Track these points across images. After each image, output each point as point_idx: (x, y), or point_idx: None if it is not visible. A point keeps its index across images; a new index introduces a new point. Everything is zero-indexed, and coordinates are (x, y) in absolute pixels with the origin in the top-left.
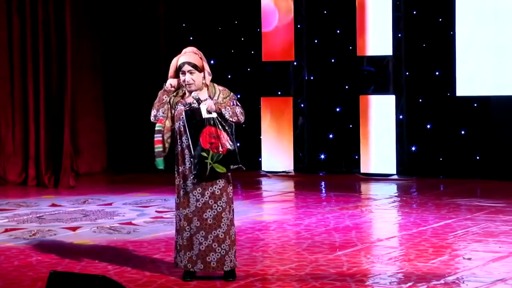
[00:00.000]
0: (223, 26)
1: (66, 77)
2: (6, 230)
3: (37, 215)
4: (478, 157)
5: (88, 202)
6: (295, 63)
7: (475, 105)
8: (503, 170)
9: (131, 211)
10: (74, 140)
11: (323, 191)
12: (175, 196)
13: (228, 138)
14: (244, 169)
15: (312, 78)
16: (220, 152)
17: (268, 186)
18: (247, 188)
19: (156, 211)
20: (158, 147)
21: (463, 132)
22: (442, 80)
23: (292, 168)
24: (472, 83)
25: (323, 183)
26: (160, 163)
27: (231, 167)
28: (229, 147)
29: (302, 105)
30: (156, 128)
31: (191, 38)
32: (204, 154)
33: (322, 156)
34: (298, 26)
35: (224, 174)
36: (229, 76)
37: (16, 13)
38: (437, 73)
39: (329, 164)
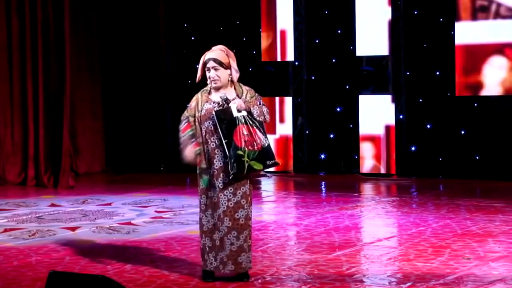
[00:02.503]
0: (225, 26)
1: (65, 77)
2: (6, 230)
3: (37, 215)
4: (477, 157)
5: (87, 202)
6: (296, 63)
7: (475, 105)
8: (503, 170)
9: (131, 211)
10: (73, 140)
11: (323, 191)
12: (200, 197)
13: (261, 135)
14: (279, 164)
15: (313, 78)
16: (256, 149)
17: (268, 186)
18: None
19: (156, 211)
20: (198, 150)
21: (463, 132)
22: (442, 80)
23: (292, 168)
24: (472, 83)
25: (322, 183)
26: (205, 180)
27: (267, 163)
28: (263, 143)
29: (302, 105)
30: (188, 134)
31: (192, 38)
32: (241, 152)
33: (322, 156)
34: (299, 26)
35: (253, 173)
36: None
37: (15, 14)
38: (437, 73)
39: (328, 164)
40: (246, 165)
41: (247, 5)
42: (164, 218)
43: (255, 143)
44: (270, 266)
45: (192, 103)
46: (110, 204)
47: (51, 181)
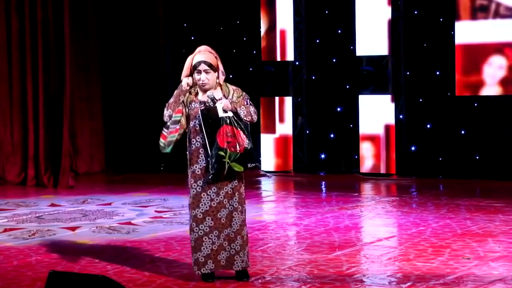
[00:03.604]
0: (225, 26)
1: (65, 77)
2: (6, 230)
3: (36, 215)
4: (477, 157)
5: (87, 202)
6: (296, 63)
7: (475, 105)
8: (503, 170)
9: (130, 211)
10: (73, 140)
11: (323, 191)
12: (189, 197)
13: (244, 137)
14: (261, 167)
15: (313, 78)
16: (237, 151)
17: (267, 186)
18: (247, 188)
19: (155, 211)
20: (172, 136)
21: (463, 132)
22: (442, 80)
23: (292, 168)
24: (472, 83)
25: (322, 183)
26: (169, 149)
27: (248, 165)
28: (246, 145)
29: (302, 105)
30: (174, 119)
31: (192, 38)
32: (222, 153)
33: (322, 156)
34: (299, 26)
35: (237, 173)
36: (231, 76)
37: (15, 13)
38: (437, 73)
39: (328, 164)
40: (227, 166)
41: (247, 5)
42: (164, 218)
43: (237, 144)
44: (270, 266)
45: (179, 96)
46: (110, 204)
47: (51, 181)
